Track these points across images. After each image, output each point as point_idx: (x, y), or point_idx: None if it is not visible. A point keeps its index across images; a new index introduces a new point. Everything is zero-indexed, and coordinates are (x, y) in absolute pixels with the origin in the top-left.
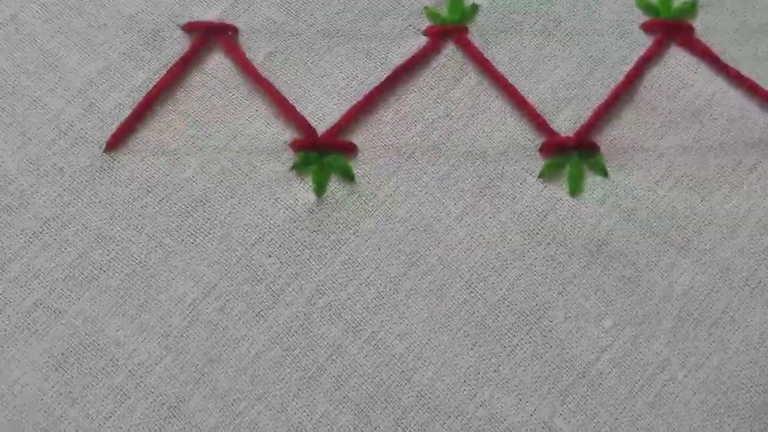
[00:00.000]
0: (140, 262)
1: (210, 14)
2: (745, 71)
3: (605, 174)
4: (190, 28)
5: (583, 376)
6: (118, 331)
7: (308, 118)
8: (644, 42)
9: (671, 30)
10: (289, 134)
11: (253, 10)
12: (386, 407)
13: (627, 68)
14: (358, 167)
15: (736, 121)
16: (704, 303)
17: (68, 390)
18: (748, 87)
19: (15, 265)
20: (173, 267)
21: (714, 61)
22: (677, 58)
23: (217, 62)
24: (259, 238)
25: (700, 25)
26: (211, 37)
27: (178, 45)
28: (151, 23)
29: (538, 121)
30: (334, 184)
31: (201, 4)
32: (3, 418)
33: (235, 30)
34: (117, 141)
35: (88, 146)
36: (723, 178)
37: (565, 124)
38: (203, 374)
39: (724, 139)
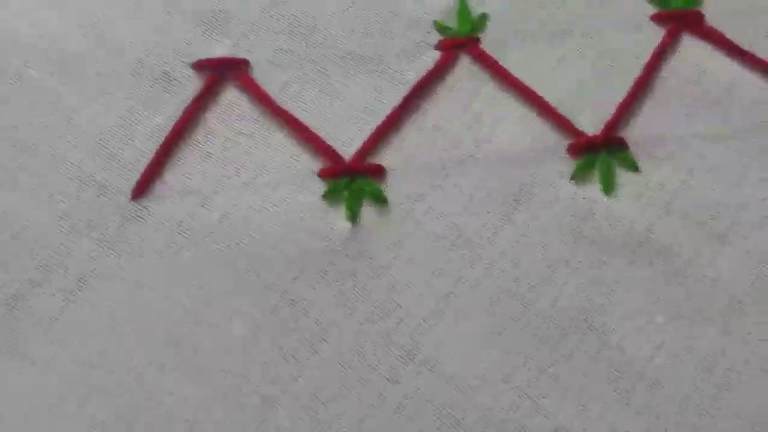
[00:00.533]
0: (184, 310)
1: (218, 51)
2: (761, 53)
3: (636, 169)
4: (200, 66)
5: (643, 376)
6: (172, 383)
7: (333, 145)
8: (657, 34)
9: (682, 19)
10: (315, 164)
11: (261, 42)
12: (451, 430)
13: (643, 62)
14: (389, 189)
15: (757, 104)
16: (751, 289)
17: None
18: (766, 69)
19: (58, 325)
20: (217, 311)
21: (728, 46)
22: (692, 46)
23: (233, 98)
24: (300, 272)
25: (710, 10)
26: (223, 73)
27: (191, 84)
28: (160, 65)
29: (562, 123)
30: (367, 209)
31: (207, 41)
32: None
33: (246, 63)
34: (143, 188)
35: (113, 197)
36: (752, 163)
37: (590, 123)
38: (263, 418)
39: (748, 124)
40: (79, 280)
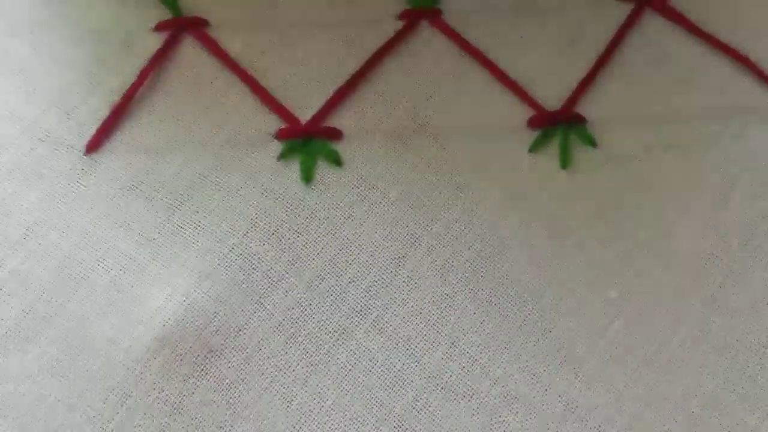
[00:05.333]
0: (130, 258)
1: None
2: (722, 36)
3: (593, 144)
4: (160, 27)
5: (595, 346)
6: (111, 329)
7: (291, 108)
8: (621, 12)
9: None
10: (271, 125)
11: (222, 1)
12: (398, 391)
13: (605, 39)
14: (346, 153)
15: (718, 89)
16: (706, 268)
17: (67, 396)
18: (727, 53)
19: (1, 274)
20: (164, 260)
21: (691, 27)
22: (655, 26)
23: (192, 57)
24: (251, 227)
25: None
26: (183, 32)
27: (153, 47)
28: (123, 32)
29: (522, 97)
30: (323, 171)
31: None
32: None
33: (205, 23)
34: (97, 144)
35: (67, 151)
36: (712, 144)
37: (550, 97)
38: (205, 367)
39: (708, 106)
40: (27, 230)
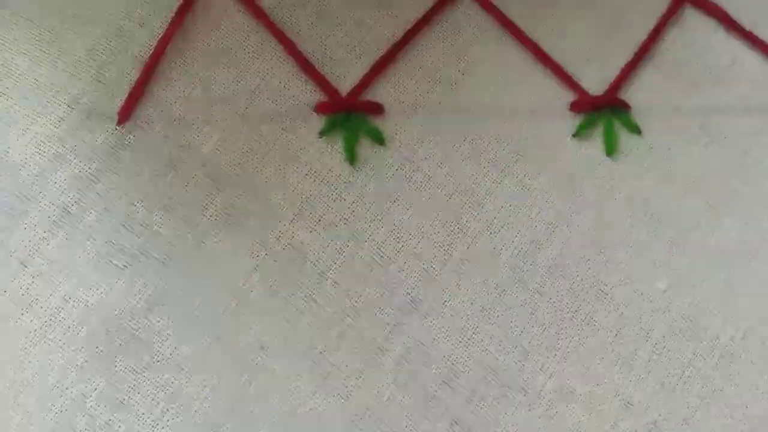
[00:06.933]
0: (175, 246)
1: None
2: (762, 33)
3: (638, 132)
4: None
5: (646, 340)
6: (160, 321)
7: (328, 76)
8: (660, 3)
9: None
10: (309, 95)
11: None
12: (455, 384)
13: (644, 30)
14: (387, 130)
15: (758, 83)
16: (754, 260)
17: (113, 392)
18: (764, 49)
19: (37, 259)
20: (211, 248)
21: (730, 23)
22: (695, 20)
23: (222, 10)
24: (297, 213)
25: None
26: None
27: None
28: None
29: (565, 79)
30: (365, 149)
31: None
32: (46, 427)
33: None
34: (128, 112)
35: (99, 121)
36: (754, 138)
37: (592, 82)
38: (258, 362)
39: (748, 101)
40: (63, 211)
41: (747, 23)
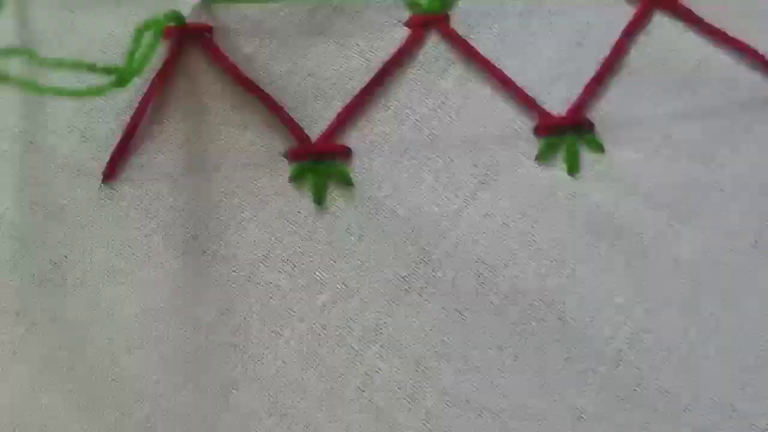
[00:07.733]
0: (153, 293)
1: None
2: (733, 31)
3: (602, 150)
4: (167, 35)
5: (603, 356)
6: (138, 363)
7: (300, 122)
8: (628, 12)
9: None
10: (280, 142)
11: (224, 6)
12: (411, 409)
13: (613, 40)
14: (355, 170)
15: (727, 83)
16: (714, 270)
17: (98, 429)
18: (737, 47)
19: (31, 312)
20: (186, 293)
21: (701, 24)
22: (663, 25)
23: (198, 68)
24: (266, 254)
25: None
26: (187, 41)
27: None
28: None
29: (529, 103)
30: (334, 191)
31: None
32: None
33: (210, 30)
34: (114, 169)
35: (86, 179)
36: (720, 142)
37: (558, 102)
38: (226, 398)
39: (717, 103)
40: (54, 266)
41: (719, 23)
